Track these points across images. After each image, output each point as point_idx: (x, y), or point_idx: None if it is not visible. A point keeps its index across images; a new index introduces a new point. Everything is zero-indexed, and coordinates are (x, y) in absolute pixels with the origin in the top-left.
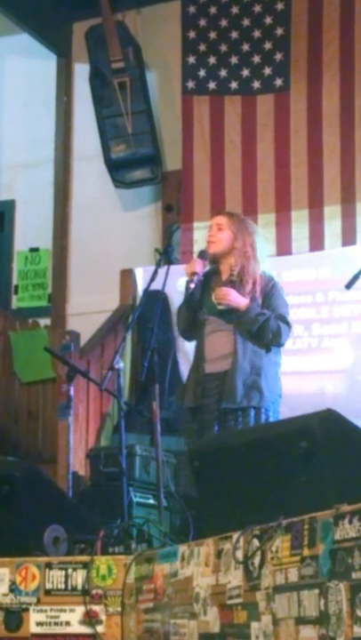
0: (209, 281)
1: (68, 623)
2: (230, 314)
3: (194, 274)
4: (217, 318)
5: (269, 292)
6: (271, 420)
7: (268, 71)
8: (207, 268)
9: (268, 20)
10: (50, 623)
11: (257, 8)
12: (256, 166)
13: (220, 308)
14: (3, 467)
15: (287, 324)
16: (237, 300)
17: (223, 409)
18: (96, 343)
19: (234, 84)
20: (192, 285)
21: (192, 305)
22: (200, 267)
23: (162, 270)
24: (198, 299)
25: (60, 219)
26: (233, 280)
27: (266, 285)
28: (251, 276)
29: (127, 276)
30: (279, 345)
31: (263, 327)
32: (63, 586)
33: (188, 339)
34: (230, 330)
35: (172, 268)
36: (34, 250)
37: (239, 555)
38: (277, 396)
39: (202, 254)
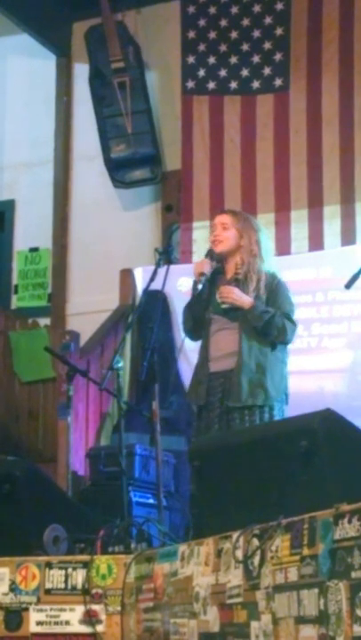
0: (214, 280)
1: (68, 622)
2: (235, 312)
3: (202, 274)
4: (222, 317)
5: (274, 291)
6: (276, 418)
7: (267, 71)
8: (214, 267)
9: (268, 20)
10: (50, 622)
11: (257, 8)
12: (256, 166)
13: (223, 306)
14: (3, 466)
15: (292, 322)
16: (241, 298)
17: (228, 407)
18: (96, 343)
19: (233, 84)
20: (200, 286)
21: (200, 305)
22: (208, 267)
23: (161, 270)
24: (206, 298)
25: (60, 218)
26: (238, 278)
27: (270, 283)
28: (256, 274)
29: (127, 275)
30: (285, 342)
31: (268, 325)
32: (63, 585)
33: (194, 338)
34: (235, 328)
35: (172, 267)
36: (34, 249)
37: (239, 554)
38: (283, 395)
39: (210, 254)
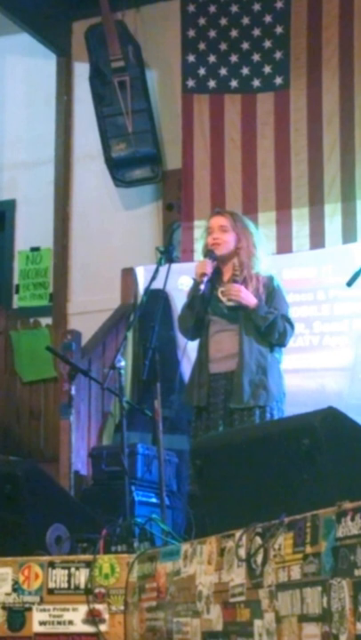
0: (212, 282)
1: (71, 622)
2: (235, 313)
3: (204, 274)
4: (221, 318)
5: (272, 293)
6: (276, 418)
7: (267, 69)
8: (215, 267)
9: (268, 19)
10: (53, 622)
11: (257, 6)
12: (256, 164)
13: (229, 304)
14: (5, 466)
15: (291, 325)
16: (248, 297)
17: (230, 409)
18: (97, 342)
19: (234, 83)
20: (202, 286)
21: (202, 305)
22: (210, 267)
23: (163, 269)
24: (207, 299)
25: (61, 218)
26: (237, 280)
27: (268, 284)
28: (254, 275)
29: (128, 274)
30: (283, 345)
31: (272, 326)
32: (66, 585)
33: (192, 338)
34: (235, 330)
35: (173, 266)
36: (35, 249)
37: (242, 553)
38: (282, 395)
39: (210, 254)
